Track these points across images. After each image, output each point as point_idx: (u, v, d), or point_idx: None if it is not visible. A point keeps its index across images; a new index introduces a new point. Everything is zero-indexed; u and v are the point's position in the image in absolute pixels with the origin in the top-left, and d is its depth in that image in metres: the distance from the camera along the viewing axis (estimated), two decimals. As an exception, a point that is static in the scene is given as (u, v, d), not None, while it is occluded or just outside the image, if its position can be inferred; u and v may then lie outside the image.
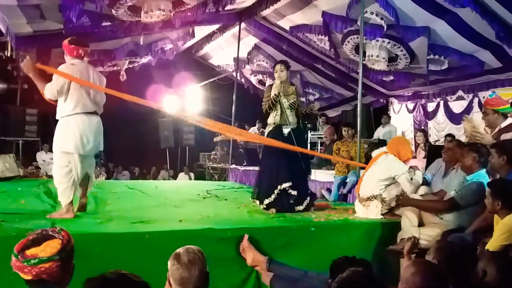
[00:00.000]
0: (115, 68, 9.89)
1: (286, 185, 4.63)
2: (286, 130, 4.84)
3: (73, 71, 3.99)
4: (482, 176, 3.71)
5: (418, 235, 3.72)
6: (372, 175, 4.48)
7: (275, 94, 4.79)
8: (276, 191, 4.61)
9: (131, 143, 14.33)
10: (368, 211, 4.36)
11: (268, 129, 4.97)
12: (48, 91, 3.98)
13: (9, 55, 8.37)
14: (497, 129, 4.16)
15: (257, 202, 4.78)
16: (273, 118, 4.87)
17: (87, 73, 4.08)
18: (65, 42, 4.11)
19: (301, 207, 4.70)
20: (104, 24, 7.45)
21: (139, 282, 1.76)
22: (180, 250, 2.19)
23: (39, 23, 7.01)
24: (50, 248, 1.94)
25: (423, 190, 4.21)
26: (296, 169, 4.80)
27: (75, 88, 3.97)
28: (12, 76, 11.13)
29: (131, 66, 10.14)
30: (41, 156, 11.51)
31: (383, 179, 4.36)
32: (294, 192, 4.67)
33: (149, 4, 6.56)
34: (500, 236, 2.88)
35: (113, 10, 6.76)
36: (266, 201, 4.63)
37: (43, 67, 4.15)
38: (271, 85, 4.98)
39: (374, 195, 4.36)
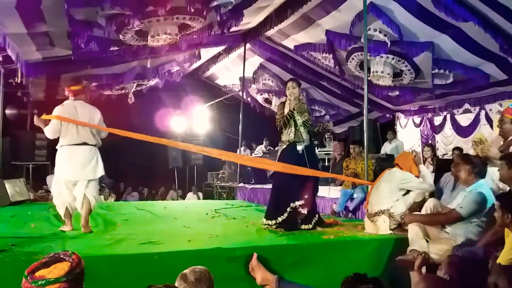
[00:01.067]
0: (123, 91, 10.02)
1: (297, 203, 4.63)
2: (299, 147, 4.83)
3: (62, 112, 4.62)
4: (482, 186, 3.71)
5: (426, 247, 3.70)
6: (378, 190, 4.47)
7: (290, 111, 4.80)
8: (288, 209, 4.60)
9: (140, 164, 14.40)
10: (377, 227, 4.34)
11: (281, 146, 4.96)
12: (47, 133, 4.61)
13: (19, 81, 8.52)
14: (506, 141, 4.15)
15: (267, 220, 4.74)
16: (287, 136, 4.86)
17: (74, 111, 4.66)
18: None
19: (310, 226, 4.68)
20: (112, 49, 7.59)
21: None
22: (186, 270, 2.20)
23: (48, 50, 7.14)
24: (58, 270, 1.96)
25: (431, 202, 4.18)
26: (306, 187, 4.79)
27: (64, 124, 4.57)
28: (22, 102, 11.27)
29: (138, 89, 10.27)
30: (51, 179, 11.57)
31: (390, 193, 4.35)
32: (304, 211, 4.66)
33: (156, 29, 6.67)
34: (511, 249, 2.85)
35: (120, 35, 6.89)
36: (279, 219, 4.60)
37: (46, 117, 4.68)
38: (283, 102, 4.98)
39: (381, 210, 4.35)
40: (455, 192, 4.42)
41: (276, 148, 11.62)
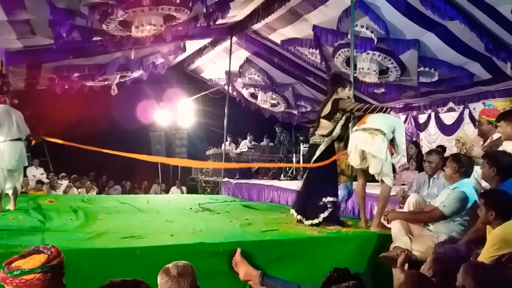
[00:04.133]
0: (106, 82, 9.89)
1: (337, 198, 4.69)
2: (336, 145, 4.89)
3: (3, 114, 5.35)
4: (465, 185, 3.75)
5: (409, 244, 3.72)
6: None
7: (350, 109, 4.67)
8: (329, 205, 4.55)
9: (122, 157, 14.24)
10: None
11: (326, 142, 4.74)
12: None
13: (-1, 70, 8.33)
14: (488, 141, 4.20)
15: (308, 220, 4.59)
16: (336, 132, 4.74)
17: (8, 114, 5.40)
18: None
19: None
20: (94, 39, 7.46)
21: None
22: (169, 265, 2.18)
23: (29, 38, 7.00)
24: (34, 261, 1.97)
25: (414, 197, 4.20)
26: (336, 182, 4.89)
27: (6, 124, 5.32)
28: (2, 91, 11.06)
29: (122, 80, 10.14)
30: (31, 171, 11.39)
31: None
32: (342, 205, 4.71)
33: (140, 19, 6.55)
34: (491, 247, 2.87)
35: (103, 25, 6.76)
36: (321, 216, 4.51)
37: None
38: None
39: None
40: (430, 188, 4.44)
41: (261, 143, 11.63)
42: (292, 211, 4.85)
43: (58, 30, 6.39)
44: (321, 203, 4.58)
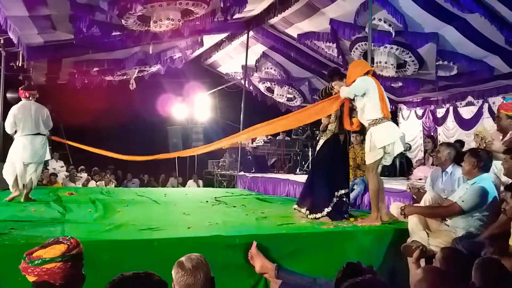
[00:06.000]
0: (125, 77, 10.00)
1: (342, 192, 4.62)
2: (342, 138, 4.81)
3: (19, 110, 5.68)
4: (484, 180, 3.69)
5: (426, 238, 3.69)
6: None
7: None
8: (334, 199, 4.56)
9: (141, 151, 14.41)
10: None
11: (325, 136, 4.82)
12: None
13: (20, 65, 8.49)
14: (508, 136, 4.12)
15: (312, 214, 4.59)
16: (332, 126, 4.78)
17: (30, 110, 5.69)
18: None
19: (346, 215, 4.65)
20: (114, 34, 7.54)
21: (159, 281, 1.86)
22: (182, 258, 2.17)
23: (50, 33, 7.11)
24: (54, 250, 2.02)
25: (430, 195, 4.16)
26: (347, 175, 4.83)
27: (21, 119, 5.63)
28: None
29: (140, 75, 10.24)
30: (51, 164, 11.61)
31: None
32: (348, 200, 4.68)
33: (158, 14, 6.61)
34: None
35: (122, 20, 6.83)
36: (325, 211, 4.51)
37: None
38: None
39: None
40: (442, 183, 4.40)
41: (277, 137, 11.63)
42: (296, 206, 4.84)
43: (78, 25, 6.48)
44: (324, 198, 4.59)
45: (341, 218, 4.52)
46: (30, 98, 5.82)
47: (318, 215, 4.54)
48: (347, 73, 4.61)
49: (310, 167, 4.99)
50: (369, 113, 4.33)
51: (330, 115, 4.74)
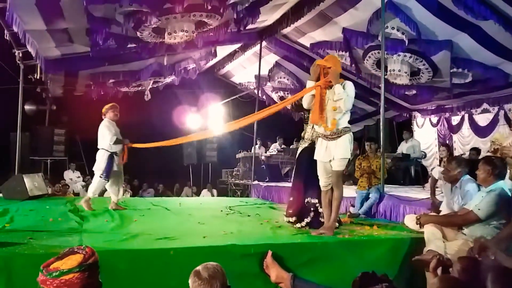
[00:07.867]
0: (140, 88, 10.14)
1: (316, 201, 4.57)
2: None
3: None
4: (500, 187, 3.65)
5: (443, 247, 3.65)
6: None
7: None
8: (312, 208, 4.55)
9: (156, 161, 14.55)
10: None
11: (303, 144, 4.84)
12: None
13: (38, 77, 8.68)
14: (525, 142, 4.08)
15: (296, 224, 4.58)
16: (310, 134, 4.77)
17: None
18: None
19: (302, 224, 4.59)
20: (129, 46, 7.67)
21: None
22: (199, 267, 2.19)
23: (67, 46, 7.26)
24: (71, 261, 2.04)
25: (446, 206, 4.13)
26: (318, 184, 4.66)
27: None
28: (41, 98, 11.50)
29: (155, 86, 10.38)
30: (68, 174, 11.78)
31: None
32: (321, 210, 4.58)
33: (173, 26, 6.72)
34: None
35: (138, 33, 6.95)
36: (305, 221, 4.52)
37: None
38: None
39: None
40: (452, 197, 4.33)
41: (291, 146, 11.64)
42: (285, 217, 4.80)
43: (95, 38, 6.61)
44: (304, 205, 4.58)
45: (319, 227, 4.39)
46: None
47: (303, 223, 4.55)
48: (332, 60, 4.30)
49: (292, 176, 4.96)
50: (346, 120, 4.21)
51: (306, 122, 4.74)
